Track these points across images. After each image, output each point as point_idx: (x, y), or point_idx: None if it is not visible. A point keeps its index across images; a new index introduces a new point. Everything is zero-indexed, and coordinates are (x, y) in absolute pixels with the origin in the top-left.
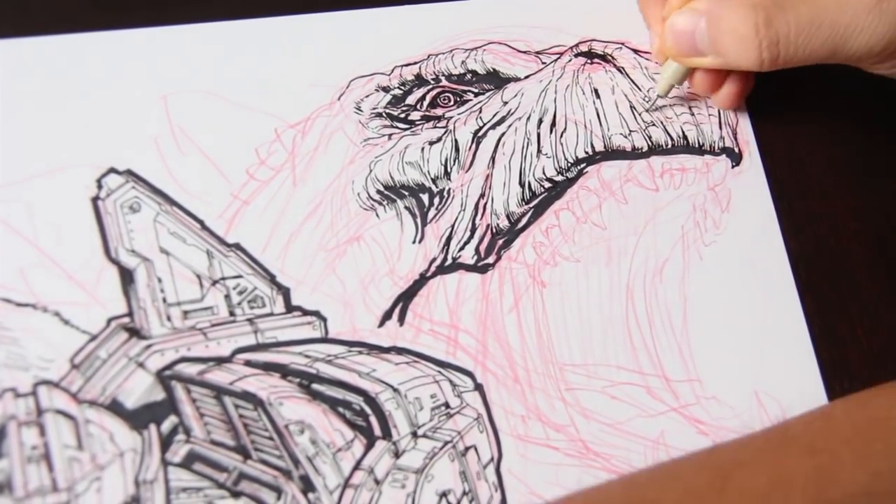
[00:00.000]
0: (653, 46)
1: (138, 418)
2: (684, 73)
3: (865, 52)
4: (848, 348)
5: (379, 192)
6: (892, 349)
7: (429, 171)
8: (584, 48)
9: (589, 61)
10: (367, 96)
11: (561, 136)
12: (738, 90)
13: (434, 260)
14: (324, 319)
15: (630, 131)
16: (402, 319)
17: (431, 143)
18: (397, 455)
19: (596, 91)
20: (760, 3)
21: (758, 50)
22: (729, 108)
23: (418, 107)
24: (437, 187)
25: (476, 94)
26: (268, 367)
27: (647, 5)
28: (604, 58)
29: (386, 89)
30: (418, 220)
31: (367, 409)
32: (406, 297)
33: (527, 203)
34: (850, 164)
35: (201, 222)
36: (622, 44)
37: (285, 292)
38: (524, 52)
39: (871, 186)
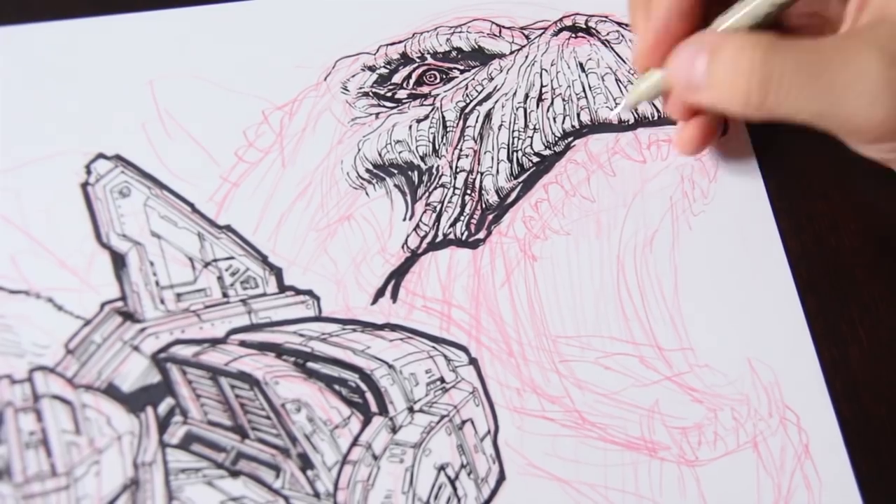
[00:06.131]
0: (635, 51)
1: (135, 401)
2: (657, 92)
3: (859, 122)
4: (848, 348)
5: (368, 170)
6: (892, 349)
7: (417, 149)
8: (567, 22)
9: (573, 35)
10: (353, 76)
11: (547, 110)
12: (699, 135)
13: (425, 237)
14: (317, 298)
15: (616, 104)
16: (394, 296)
17: (419, 121)
18: (394, 430)
19: (581, 65)
20: (763, 40)
21: (747, 87)
22: (685, 155)
23: (405, 85)
24: (425, 164)
25: (462, 71)
26: (262, 347)
27: (635, 10)
28: (588, 31)
29: (372, 69)
30: (408, 198)
31: (363, 386)
32: (398, 275)
33: (515, 178)
34: (850, 164)
35: (191, 205)
36: (606, 17)
37: (278, 272)
38: (508, 28)
39: (871, 186)
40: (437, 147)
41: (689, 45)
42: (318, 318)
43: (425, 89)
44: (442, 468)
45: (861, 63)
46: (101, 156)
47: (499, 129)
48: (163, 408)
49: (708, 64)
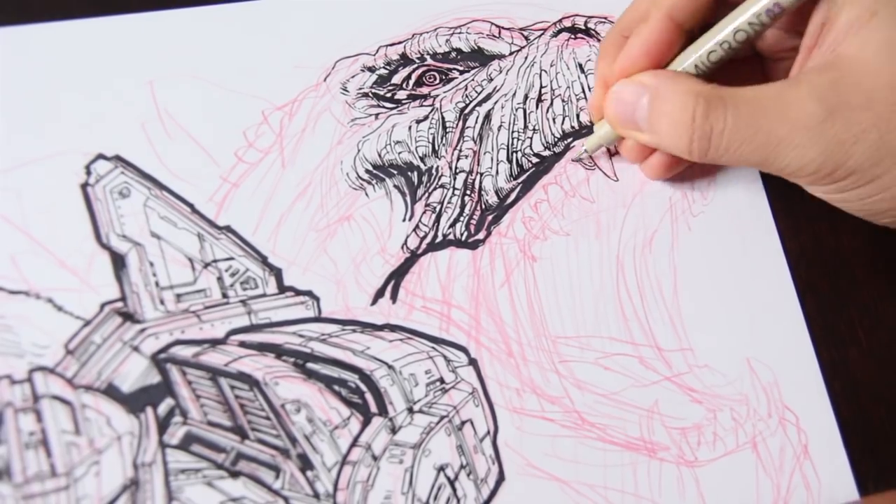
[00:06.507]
0: (590, 101)
1: (135, 402)
2: (615, 137)
3: (796, 170)
4: (847, 349)
5: (368, 171)
6: (892, 349)
7: (417, 150)
8: (567, 23)
9: (573, 37)
10: (352, 77)
11: (547, 111)
12: (665, 163)
13: (424, 237)
14: (317, 299)
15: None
16: (394, 297)
17: (418, 122)
18: (394, 431)
19: (580, 66)
20: (704, 92)
21: (689, 140)
22: (655, 179)
23: (404, 86)
24: (425, 165)
25: (461, 72)
26: (262, 348)
27: (600, 62)
28: (587, 32)
29: (371, 69)
30: (408, 198)
31: (363, 387)
32: (398, 275)
33: (515, 178)
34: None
35: (191, 206)
36: (605, 18)
37: (277, 273)
38: (508, 29)
39: None
40: (436, 148)
41: (628, 86)
42: (318, 319)
43: (425, 90)
44: (441, 469)
45: (797, 116)
46: (100, 156)
47: (498, 130)
48: (163, 408)
49: (650, 111)
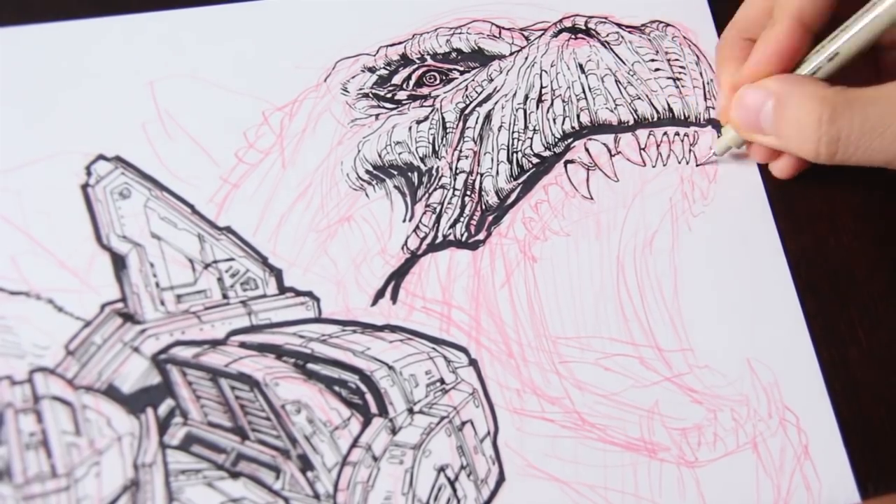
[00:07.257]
0: (718, 105)
1: (135, 402)
2: (741, 141)
3: None
4: (847, 349)
5: (368, 171)
6: (892, 349)
7: (417, 150)
8: (567, 24)
9: (573, 37)
10: (353, 77)
11: (547, 111)
12: (795, 165)
13: (425, 238)
14: (317, 300)
15: (616, 105)
16: (394, 297)
17: (419, 122)
18: (394, 432)
19: (581, 66)
20: (830, 97)
21: (816, 144)
22: (783, 178)
23: (404, 86)
24: (425, 166)
25: (462, 73)
26: (263, 349)
27: (722, 65)
28: (587, 32)
29: (372, 70)
30: (408, 199)
31: (363, 388)
32: (398, 276)
33: (515, 179)
34: (849, 166)
35: (191, 206)
36: (605, 18)
37: (278, 274)
38: (508, 30)
39: (871, 186)
40: (436, 148)
41: (753, 91)
42: (318, 320)
43: (425, 90)
44: (442, 469)
45: None
46: (101, 157)
47: (498, 131)
48: (163, 409)
49: (775, 116)
